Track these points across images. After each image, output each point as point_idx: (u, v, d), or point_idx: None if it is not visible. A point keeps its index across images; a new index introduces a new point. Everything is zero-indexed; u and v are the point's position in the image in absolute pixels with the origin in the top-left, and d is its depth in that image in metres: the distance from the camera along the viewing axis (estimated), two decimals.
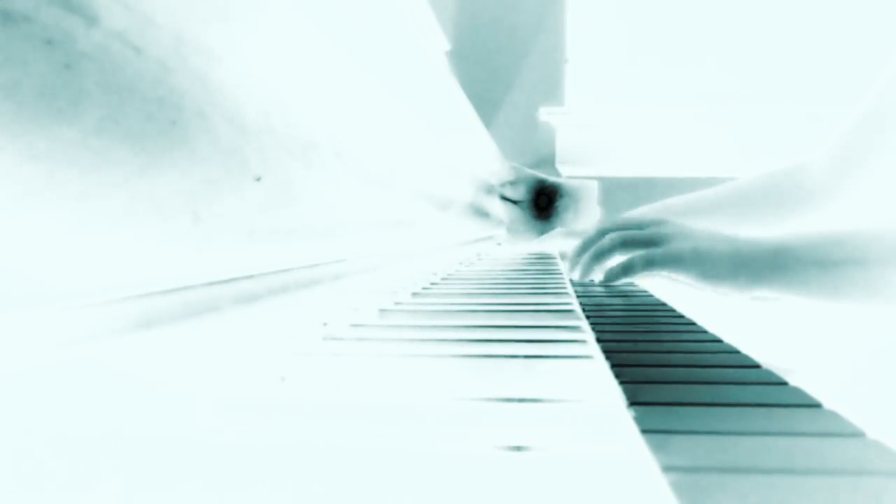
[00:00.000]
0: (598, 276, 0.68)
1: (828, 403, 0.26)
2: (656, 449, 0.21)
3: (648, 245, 0.63)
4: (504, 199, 1.26)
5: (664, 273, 0.60)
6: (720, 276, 0.58)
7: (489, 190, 1.17)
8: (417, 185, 0.68)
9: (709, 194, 0.90)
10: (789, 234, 0.59)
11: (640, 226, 0.67)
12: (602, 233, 0.68)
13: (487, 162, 1.12)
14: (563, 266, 0.88)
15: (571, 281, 0.76)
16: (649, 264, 0.60)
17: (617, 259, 0.66)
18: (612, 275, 0.62)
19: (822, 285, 0.55)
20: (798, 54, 1.85)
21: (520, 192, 1.27)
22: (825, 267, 0.55)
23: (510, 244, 1.34)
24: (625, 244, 0.64)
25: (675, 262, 0.59)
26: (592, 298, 0.62)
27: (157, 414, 0.23)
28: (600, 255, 0.65)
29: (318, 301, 0.41)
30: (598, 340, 0.39)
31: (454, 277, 0.79)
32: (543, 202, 1.27)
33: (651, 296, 0.66)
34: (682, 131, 1.95)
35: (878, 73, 0.75)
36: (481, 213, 1.11)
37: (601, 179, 1.43)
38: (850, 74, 1.75)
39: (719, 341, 0.40)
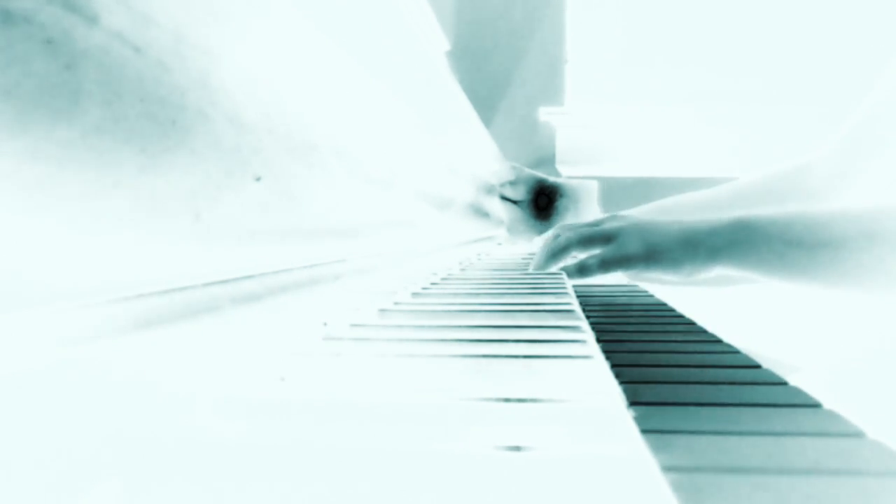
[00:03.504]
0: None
1: (828, 403, 0.26)
2: (656, 449, 0.21)
3: (604, 241, 0.62)
4: (504, 199, 1.26)
5: (620, 272, 0.60)
6: (677, 260, 0.57)
7: (489, 190, 1.17)
8: (417, 185, 0.68)
9: (707, 194, 0.90)
10: (751, 212, 0.58)
11: (596, 224, 0.67)
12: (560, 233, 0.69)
13: (487, 162, 1.12)
14: None
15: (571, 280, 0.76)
16: (604, 265, 0.60)
17: (574, 257, 0.66)
18: (569, 274, 0.62)
19: (788, 265, 0.54)
20: (797, 55, 1.85)
21: (520, 192, 1.27)
22: (788, 245, 0.54)
23: (510, 244, 1.34)
24: (580, 243, 0.64)
25: (626, 260, 0.59)
26: (593, 298, 0.62)
27: (157, 414, 0.23)
28: (556, 254, 0.66)
29: (318, 301, 0.41)
30: (598, 340, 0.39)
31: (454, 277, 0.79)
32: (543, 202, 1.27)
33: (651, 296, 0.66)
34: (682, 131, 1.95)
35: (880, 73, 0.75)
36: (481, 213, 1.11)
37: (601, 179, 1.43)
38: (849, 75, 1.75)
39: (719, 341, 0.40)
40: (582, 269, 0.60)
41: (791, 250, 0.54)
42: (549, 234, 0.72)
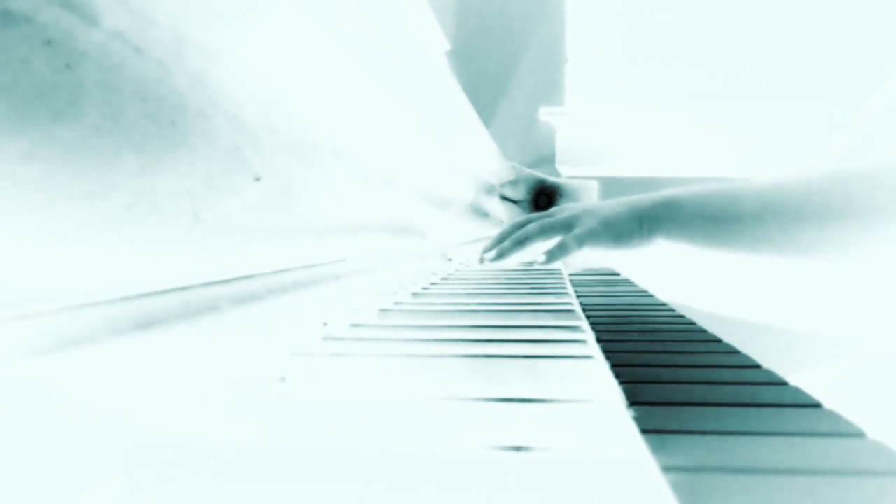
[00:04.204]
0: (539, 258, 0.72)
1: (828, 403, 0.26)
2: (656, 449, 0.21)
3: (565, 229, 0.67)
4: (504, 198, 1.26)
5: (588, 248, 0.64)
6: (628, 233, 0.63)
7: (489, 190, 1.17)
8: (417, 185, 0.68)
9: None
10: (684, 187, 0.63)
11: (548, 215, 0.72)
12: (519, 225, 0.72)
13: (487, 162, 1.12)
14: (562, 266, 0.88)
15: (571, 280, 0.76)
16: (579, 241, 0.65)
17: (538, 245, 0.70)
18: (552, 255, 0.66)
19: (705, 236, 0.60)
20: (797, 54, 1.85)
21: (520, 192, 1.27)
22: (707, 219, 0.60)
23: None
24: (543, 231, 0.68)
25: (593, 236, 0.65)
26: (593, 298, 0.63)
27: (157, 414, 0.23)
28: (522, 242, 0.69)
29: (318, 301, 0.41)
30: (599, 340, 0.39)
31: (454, 277, 0.79)
32: (543, 202, 1.27)
33: (651, 296, 0.66)
34: (682, 131, 1.95)
35: (883, 73, 0.75)
36: (481, 213, 1.11)
37: (601, 179, 1.43)
38: (849, 74, 1.75)
39: (719, 341, 0.40)
40: (563, 247, 0.65)
41: (707, 224, 0.60)
42: (508, 226, 0.75)
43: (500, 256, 0.70)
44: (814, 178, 0.56)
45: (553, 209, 0.74)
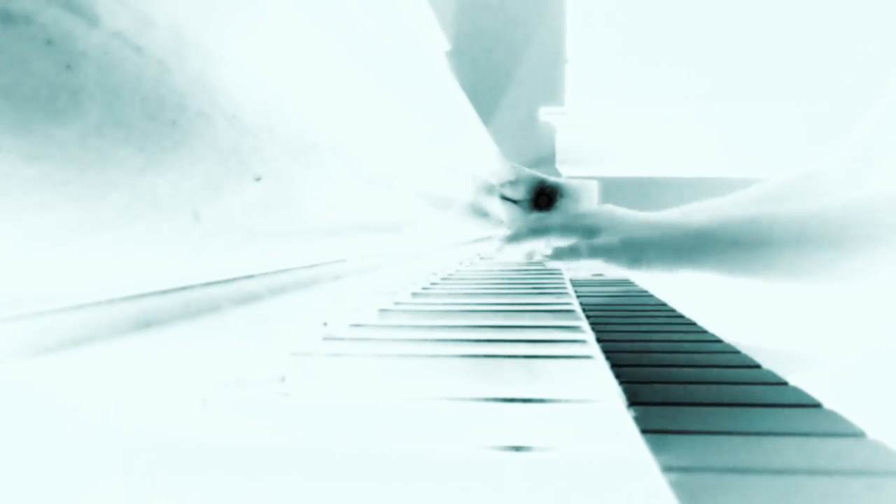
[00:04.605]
0: (540, 248, 0.73)
1: (828, 403, 0.26)
2: (656, 449, 0.21)
3: (584, 234, 0.68)
4: (504, 198, 1.26)
5: (600, 261, 0.64)
6: (647, 260, 0.63)
7: (489, 190, 1.17)
8: (417, 185, 0.68)
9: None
10: (712, 217, 0.64)
11: (576, 217, 0.73)
12: (542, 219, 0.74)
13: (487, 162, 1.12)
14: (562, 266, 0.89)
15: (571, 281, 0.76)
16: (592, 254, 0.65)
17: (553, 240, 0.71)
18: (559, 254, 0.68)
19: (736, 265, 0.60)
20: (796, 54, 1.85)
21: (520, 192, 1.27)
22: (738, 247, 0.60)
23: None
24: (563, 229, 0.70)
25: (608, 254, 0.64)
26: (593, 298, 0.63)
27: (156, 414, 0.23)
28: (538, 231, 0.71)
29: (318, 301, 0.41)
30: (599, 340, 0.39)
31: (454, 277, 0.79)
32: (543, 202, 1.27)
33: (651, 296, 0.66)
34: (682, 131, 1.95)
35: (886, 74, 0.75)
36: (481, 213, 1.11)
37: (601, 179, 1.43)
38: (849, 74, 1.75)
39: (719, 341, 0.40)
40: (573, 251, 0.66)
41: (741, 256, 0.60)
42: (533, 218, 0.77)
43: (514, 239, 0.71)
44: (833, 208, 0.57)
45: (579, 212, 0.74)
